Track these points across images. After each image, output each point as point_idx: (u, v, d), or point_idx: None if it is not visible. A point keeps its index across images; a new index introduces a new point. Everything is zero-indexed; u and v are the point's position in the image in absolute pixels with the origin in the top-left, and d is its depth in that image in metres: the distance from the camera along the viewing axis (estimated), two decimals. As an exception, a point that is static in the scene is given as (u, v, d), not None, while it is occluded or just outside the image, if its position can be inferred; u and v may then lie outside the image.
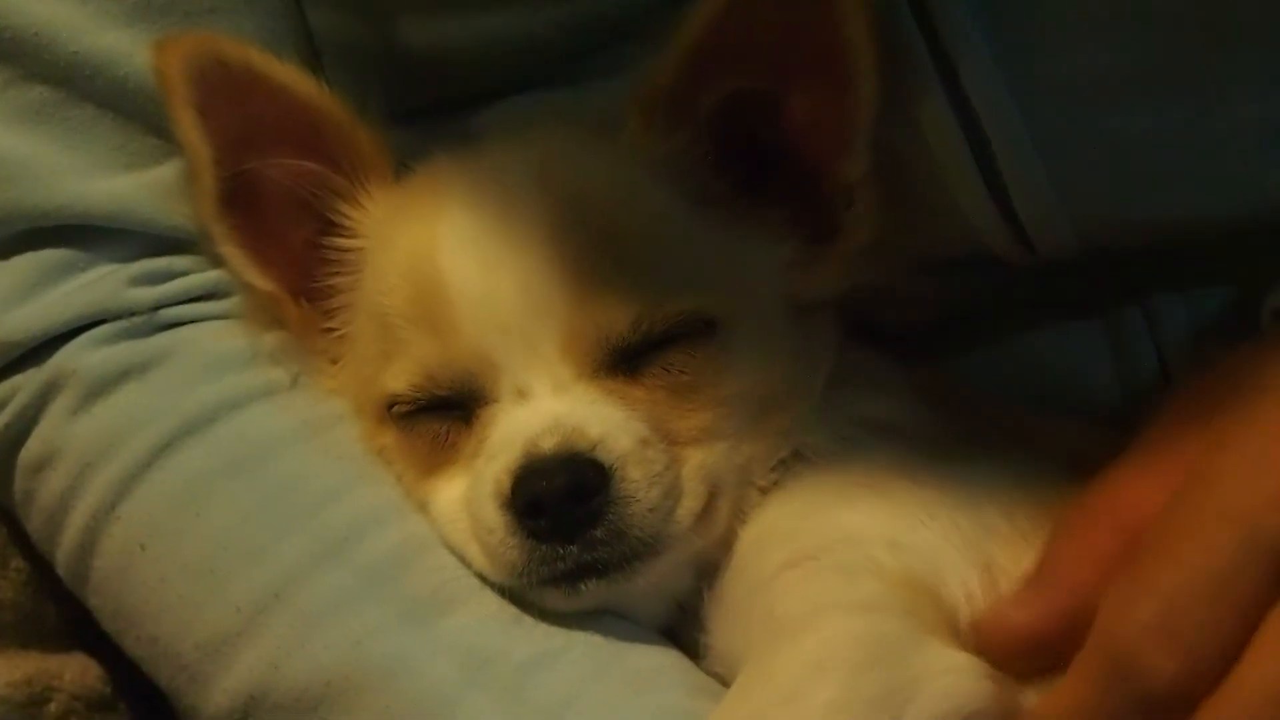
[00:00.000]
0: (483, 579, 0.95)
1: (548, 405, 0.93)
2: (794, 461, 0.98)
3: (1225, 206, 0.99)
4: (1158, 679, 0.84)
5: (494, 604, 0.95)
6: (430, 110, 1.07)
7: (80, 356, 1.00)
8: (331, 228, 1.02)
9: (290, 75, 1.00)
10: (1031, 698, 0.91)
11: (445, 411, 0.97)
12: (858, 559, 0.93)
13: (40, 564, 1.05)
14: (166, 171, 1.02)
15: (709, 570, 0.97)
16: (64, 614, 1.07)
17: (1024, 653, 0.90)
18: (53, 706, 1.06)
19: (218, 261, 1.04)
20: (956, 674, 0.87)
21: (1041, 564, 0.91)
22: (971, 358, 1.11)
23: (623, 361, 0.94)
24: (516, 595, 0.95)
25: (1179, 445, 0.89)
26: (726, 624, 0.96)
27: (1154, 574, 0.85)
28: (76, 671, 1.08)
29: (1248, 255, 1.05)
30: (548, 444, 0.91)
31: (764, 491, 0.98)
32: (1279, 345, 0.91)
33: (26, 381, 1.01)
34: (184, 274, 1.03)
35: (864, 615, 0.90)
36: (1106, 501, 0.91)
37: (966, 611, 0.92)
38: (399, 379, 0.96)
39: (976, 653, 0.90)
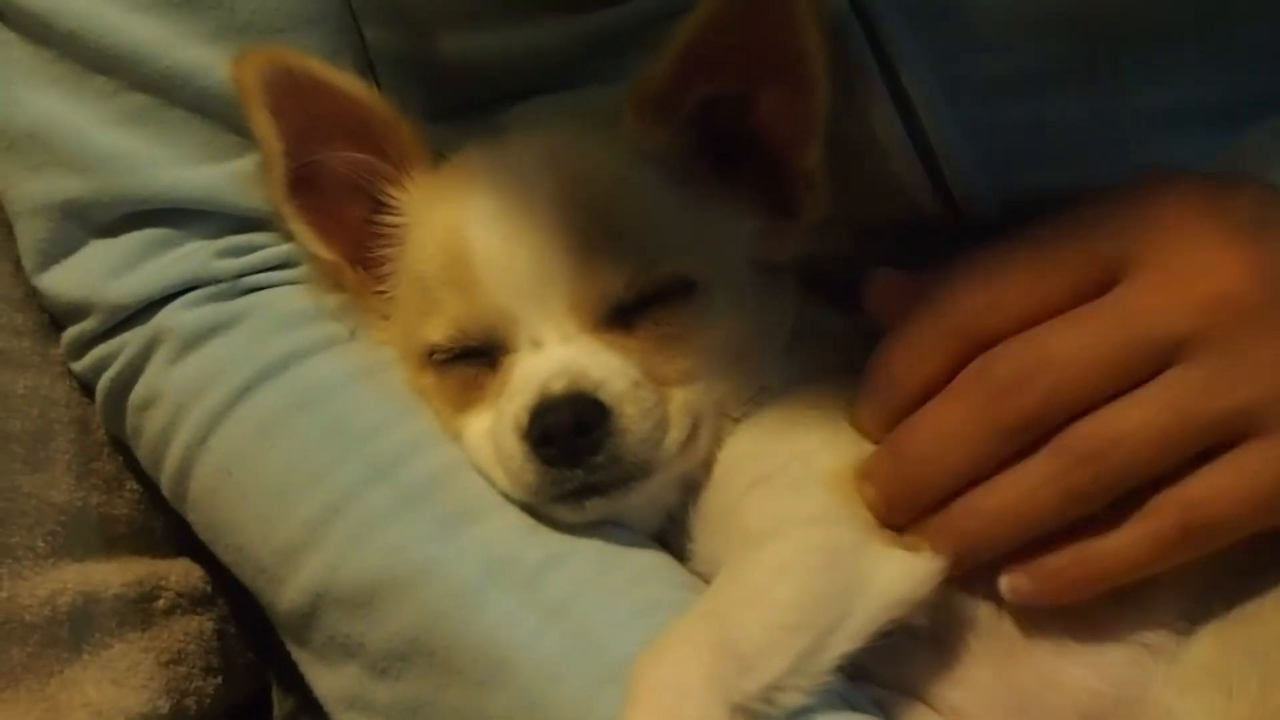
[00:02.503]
0: (505, 496, 0.95)
1: (557, 353, 0.94)
2: (762, 396, 0.98)
3: (1124, 179, 0.96)
4: (958, 313, 0.89)
5: (513, 516, 0.95)
6: (462, 110, 1.07)
7: (176, 316, 1.01)
8: (381, 207, 1.01)
9: (347, 81, 1.00)
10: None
11: (474, 358, 0.97)
12: (807, 473, 0.94)
13: (150, 485, 1.06)
14: (245, 163, 1.02)
15: (693, 487, 0.97)
16: (169, 526, 1.08)
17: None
18: (161, 602, 1.08)
19: (288, 237, 1.03)
20: (898, 568, 0.89)
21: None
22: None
23: (618, 317, 0.94)
24: (532, 510, 0.95)
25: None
26: (708, 534, 0.97)
27: (995, 248, 0.90)
28: (181, 573, 1.10)
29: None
30: (557, 386, 0.92)
31: (737, 422, 0.98)
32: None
33: (133, 337, 1.02)
34: (261, 248, 1.04)
35: (819, 526, 0.91)
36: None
37: None
38: (436, 331, 0.97)
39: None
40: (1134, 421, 0.85)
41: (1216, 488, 0.85)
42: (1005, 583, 0.90)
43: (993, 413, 0.87)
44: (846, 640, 0.86)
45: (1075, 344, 0.86)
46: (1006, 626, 0.93)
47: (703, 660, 0.83)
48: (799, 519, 0.92)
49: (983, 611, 0.93)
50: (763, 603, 0.87)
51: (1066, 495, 0.86)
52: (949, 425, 0.89)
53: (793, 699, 0.85)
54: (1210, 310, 0.84)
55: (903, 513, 0.91)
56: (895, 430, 0.91)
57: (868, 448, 0.94)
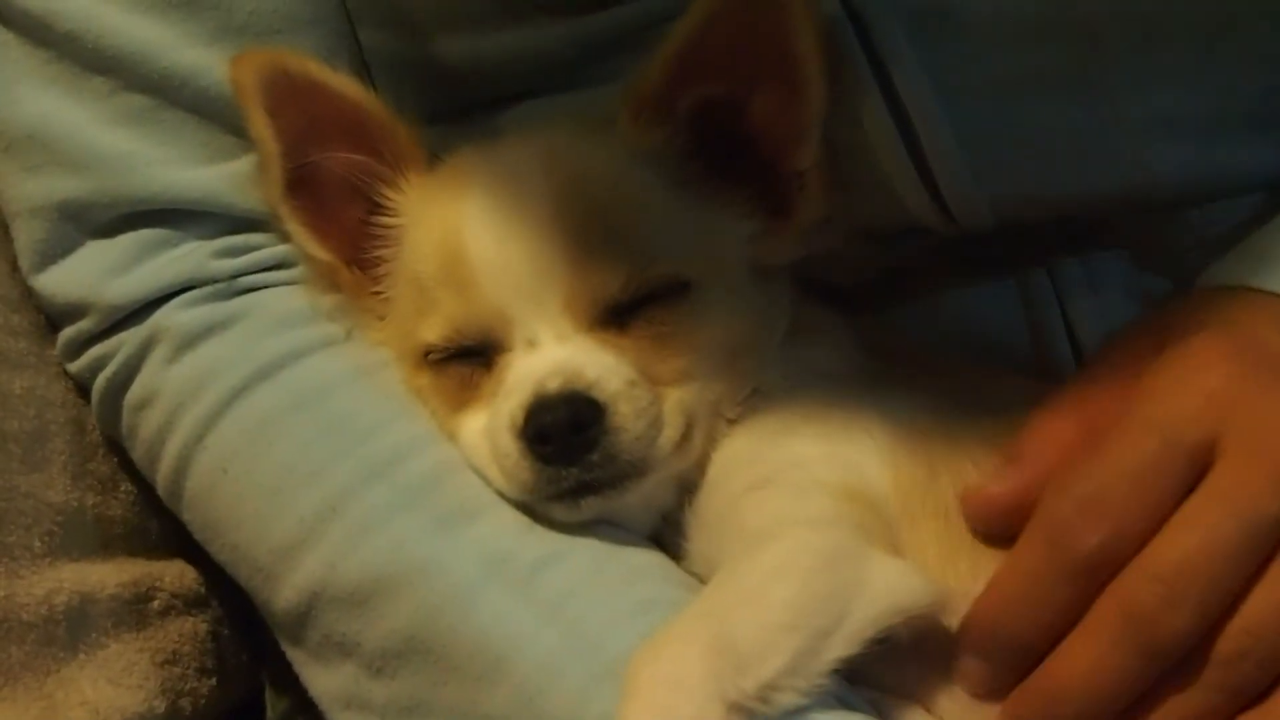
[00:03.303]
0: (501, 495, 0.96)
1: (553, 353, 0.94)
2: (756, 398, 0.99)
3: (1116, 186, 1.00)
4: (1084, 546, 0.85)
5: (510, 515, 0.95)
6: (458, 111, 1.07)
7: (173, 316, 1.01)
8: (377, 208, 1.02)
9: (344, 83, 1.00)
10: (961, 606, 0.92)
11: (470, 358, 0.97)
12: (806, 480, 0.94)
13: (144, 486, 1.07)
14: (242, 164, 1.03)
15: (688, 487, 0.97)
16: (164, 527, 1.08)
17: (999, 520, 0.91)
18: (156, 603, 1.08)
19: (285, 238, 1.04)
20: (897, 577, 0.89)
21: (1016, 447, 0.92)
22: (905, 311, 1.11)
23: (614, 316, 0.95)
24: (528, 509, 0.95)
25: (1133, 363, 0.90)
26: (703, 533, 0.97)
27: (1089, 464, 0.87)
28: (175, 575, 1.10)
29: (1134, 225, 1.07)
30: (553, 384, 0.92)
31: (732, 422, 0.98)
32: (1215, 299, 0.92)
33: (130, 337, 1.02)
34: (258, 248, 1.04)
35: (819, 528, 0.91)
36: (1072, 400, 0.92)
37: (892, 495, 0.94)
38: (432, 331, 0.97)
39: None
40: (1271, 611, 0.84)
41: None
42: None
43: (1145, 639, 0.85)
44: (842, 644, 0.86)
45: (1201, 548, 0.84)
46: None
47: (699, 657, 0.84)
48: (799, 520, 0.92)
49: None
50: (760, 602, 0.87)
51: (1232, 696, 0.85)
52: (1101, 661, 0.86)
53: (789, 698, 0.85)
54: None
55: None
56: (1036, 678, 0.89)
57: (869, 459, 0.95)
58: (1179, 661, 0.85)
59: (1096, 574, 0.86)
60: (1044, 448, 0.92)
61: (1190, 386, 0.87)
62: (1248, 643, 0.84)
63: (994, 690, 0.90)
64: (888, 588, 0.88)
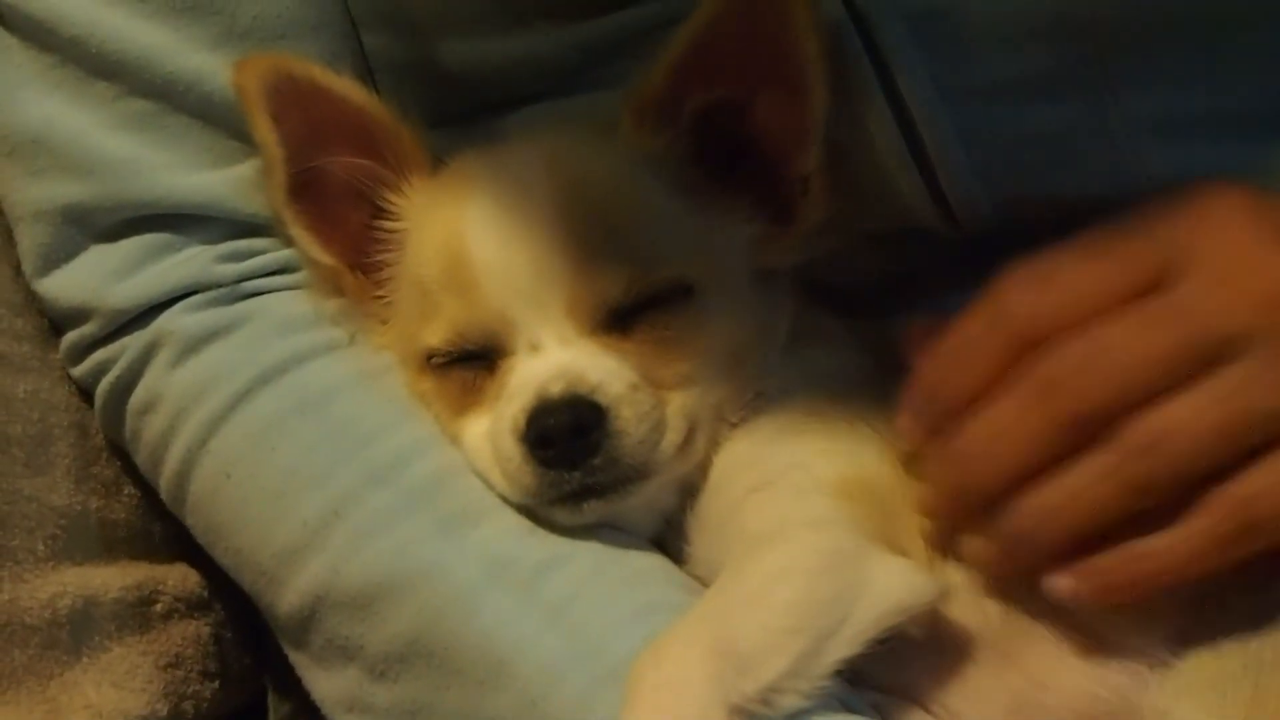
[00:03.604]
0: (503, 499, 0.96)
1: (555, 356, 0.94)
2: (758, 401, 0.99)
3: (1118, 187, 0.98)
4: (1017, 311, 0.88)
5: (513, 518, 0.95)
6: (461, 116, 1.08)
7: (176, 320, 1.01)
8: (381, 212, 1.02)
9: (347, 87, 1.01)
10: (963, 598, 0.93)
11: (473, 362, 0.97)
12: (806, 481, 0.94)
13: (148, 490, 1.07)
14: (246, 169, 1.03)
15: (690, 491, 0.97)
16: (167, 531, 1.08)
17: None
18: (159, 607, 1.08)
19: (289, 242, 1.04)
20: (898, 576, 0.89)
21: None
22: (907, 315, 1.05)
23: (616, 320, 0.95)
24: (531, 513, 0.95)
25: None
26: (705, 536, 0.97)
27: (1050, 250, 0.89)
28: (178, 578, 1.10)
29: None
30: (555, 388, 0.92)
31: (734, 426, 0.98)
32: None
33: (133, 341, 1.02)
34: (261, 253, 1.04)
35: (822, 530, 0.91)
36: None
37: (890, 481, 0.94)
38: (435, 335, 0.97)
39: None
40: (1191, 415, 0.84)
41: (1271, 483, 0.85)
42: (1051, 583, 0.88)
43: (1049, 408, 0.86)
44: (845, 645, 0.86)
45: (1132, 340, 0.85)
46: (1004, 633, 0.93)
47: (702, 660, 0.84)
48: (801, 522, 0.92)
49: (981, 617, 0.93)
50: (762, 604, 0.87)
51: (1123, 489, 0.85)
52: (1003, 422, 0.87)
53: (791, 701, 0.85)
54: (1266, 308, 0.84)
55: (957, 511, 0.91)
56: (947, 430, 0.90)
57: (868, 456, 0.95)
58: (1082, 444, 0.85)
59: (1026, 340, 0.87)
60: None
61: (1185, 207, 0.88)
62: (1152, 439, 0.84)
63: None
64: (890, 587, 0.88)
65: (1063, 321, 0.86)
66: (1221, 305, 0.85)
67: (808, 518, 0.93)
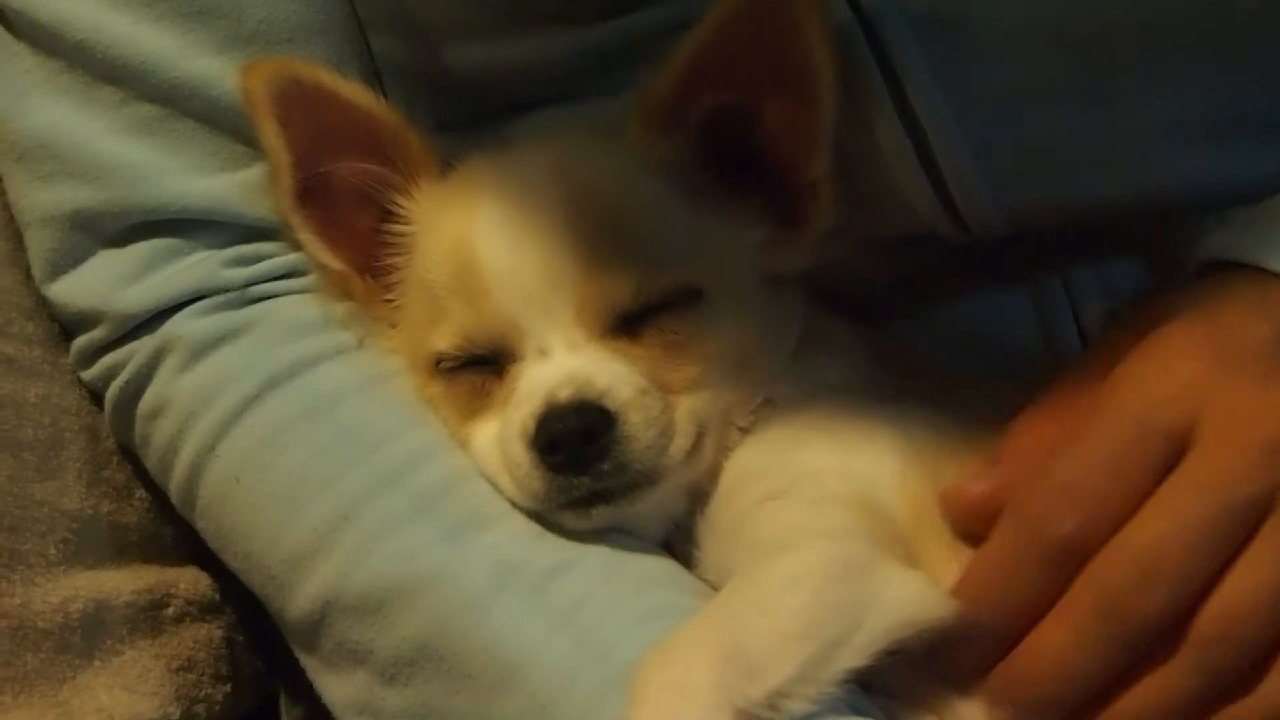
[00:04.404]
0: (512, 503, 0.96)
1: (564, 361, 0.94)
2: (767, 407, 0.99)
3: (1126, 192, 1.00)
4: (1058, 532, 0.86)
5: (522, 523, 0.95)
6: (469, 121, 1.07)
7: (185, 325, 1.01)
8: (389, 216, 1.02)
9: (355, 91, 1.00)
10: None
11: (481, 366, 0.97)
12: (820, 492, 0.94)
13: (158, 493, 1.07)
14: (253, 173, 1.03)
15: (699, 495, 0.97)
16: (179, 534, 1.09)
17: (976, 520, 0.91)
18: (170, 610, 1.08)
19: (296, 246, 1.04)
20: (911, 589, 0.89)
21: (999, 451, 0.92)
22: (917, 321, 1.11)
23: (625, 325, 0.95)
24: (540, 517, 0.95)
25: (1114, 360, 0.90)
26: (716, 542, 0.97)
27: (1064, 453, 0.87)
28: (190, 581, 1.10)
29: (1148, 232, 1.06)
30: (564, 393, 0.92)
31: (743, 431, 0.98)
32: (1194, 289, 0.92)
33: (142, 346, 1.02)
34: (269, 257, 1.04)
35: (835, 540, 0.91)
36: (1054, 401, 0.92)
37: (903, 512, 0.94)
38: (443, 340, 0.97)
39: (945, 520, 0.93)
40: (1251, 588, 0.84)
41: None
42: None
43: (1119, 620, 0.85)
44: (854, 655, 0.86)
45: (1175, 531, 0.85)
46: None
47: (709, 664, 0.84)
48: (814, 531, 0.92)
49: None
50: (773, 610, 0.87)
51: (1211, 679, 0.85)
52: (1075, 642, 0.87)
53: (799, 706, 0.85)
54: (1276, 455, 0.85)
55: None
56: (1011, 661, 0.89)
57: (881, 476, 0.95)
58: (1155, 645, 0.85)
59: (1071, 560, 0.87)
60: (1024, 449, 0.92)
61: (1165, 374, 0.87)
62: (1226, 626, 0.84)
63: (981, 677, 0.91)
64: (901, 600, 0.88)
65: (1105, 533, 0.86)
66: (1239, 466, 0.85)
67: (822, 527, 0.93)
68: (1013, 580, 0.88)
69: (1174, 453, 0.86)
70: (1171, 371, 0.87)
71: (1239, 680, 0.85)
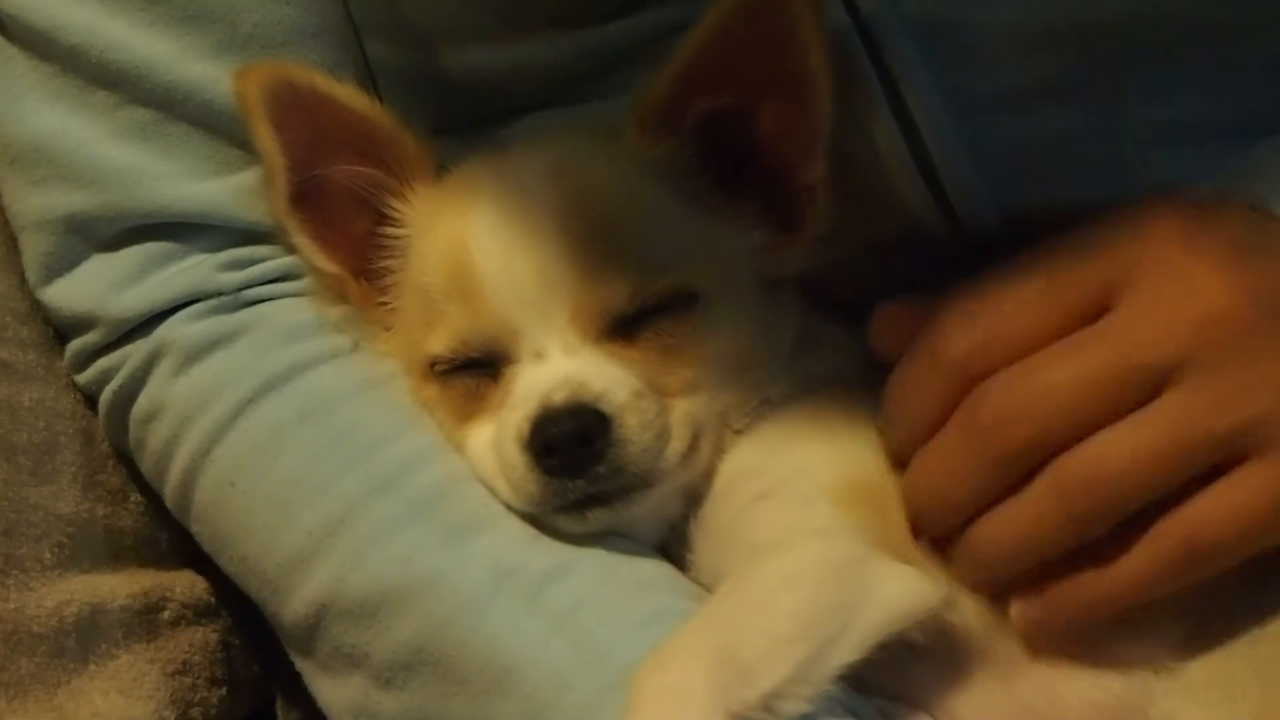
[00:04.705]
0: (508, 507, 0.96)
1: (559, 364, 0.94)
2: (763, 409, 0.99)
3: (1124, 194, 0.96)
4: (950, 350, 0.90)
5: (518, 526, 0.95)
6: (465, 124, 1.07)
7: (179, 329, 1.01)
8: (384, 220, 1.02)
9: (349, 95, 1.00)
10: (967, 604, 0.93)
11: (477, 370, 0.97)
12: (809, 489, 0.94)
13: (154, 497, 1.06)
14: (248, 177, 1.03)
15: (695, 499, 0.97)
16: (174, 538, 1.08)
17: (894, 335, 0.95)
18: (166, 614, 1.08)
19: (291, 250, 1.04)
20: (902, 584, 0.89)
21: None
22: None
23: (620, 328, 0.95)
24: (536, 521, 0.95)
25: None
26: (709, 545, 0.97)
27: (988, 281, 0.91)
28: (185, 585, 1.10)
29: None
30: (559, 396, 0.92)
31: (739, 434, 0.98)
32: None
33: (135, 350, 1.02)
34: (264, 260, 1.04)
35: (826, 539, 0.91)
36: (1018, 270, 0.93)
37: (883, 492, 0.95)
38: (439, 343, 0.97)
39: None
40: (1130, 446, 0.86)
41: (1218, 509, 0.86)
42: (1015, 610, 0.91)
43: (986, 447, 0.88)
44: (848, 651, 0.86)
45: (1066, 374, 0.87)
46: (1010, 640, 0.93)
47: (704, 668, 0.84)
48: (806, 532, 0.93)
49: (987, 625, 0.93)
50: (766, 612, 0.87)
51: (1070, 521, 0.87)
52: (947, 461, 0.91)
53: (794, 707, 0.85)
54: (1200, 333, 0.85)
55: (925, 539, 0.93)
56: (909, 465, 0.93)
57: (870, 462, 0.95)
58: (1024, 477, 0.87)
59: (966, 378, 0.89)
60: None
61: (1121, 230, 0.88)
62: (1091, 472, 0.86)
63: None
64: (894, 593, 0.88)
65: (1002, 359, 0.88)
66: (1153, 333, 0.86)
67: (813, 526, 0.93)
68: (911, 392, 0.92)
69: (1098, 304, 0.87)
70: (1128, 228, 0.88)
71: (1100, 545, 0.87)
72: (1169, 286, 0.86)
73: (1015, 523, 0.89)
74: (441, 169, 1.02)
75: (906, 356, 0.93)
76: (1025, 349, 0.88)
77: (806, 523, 0.93)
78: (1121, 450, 0.86)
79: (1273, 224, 0.89)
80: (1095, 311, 0.87)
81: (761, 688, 0.84)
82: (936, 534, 0.92)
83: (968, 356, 0.89)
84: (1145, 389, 0.85)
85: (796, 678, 0.85)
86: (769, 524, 0.94)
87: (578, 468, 0.92)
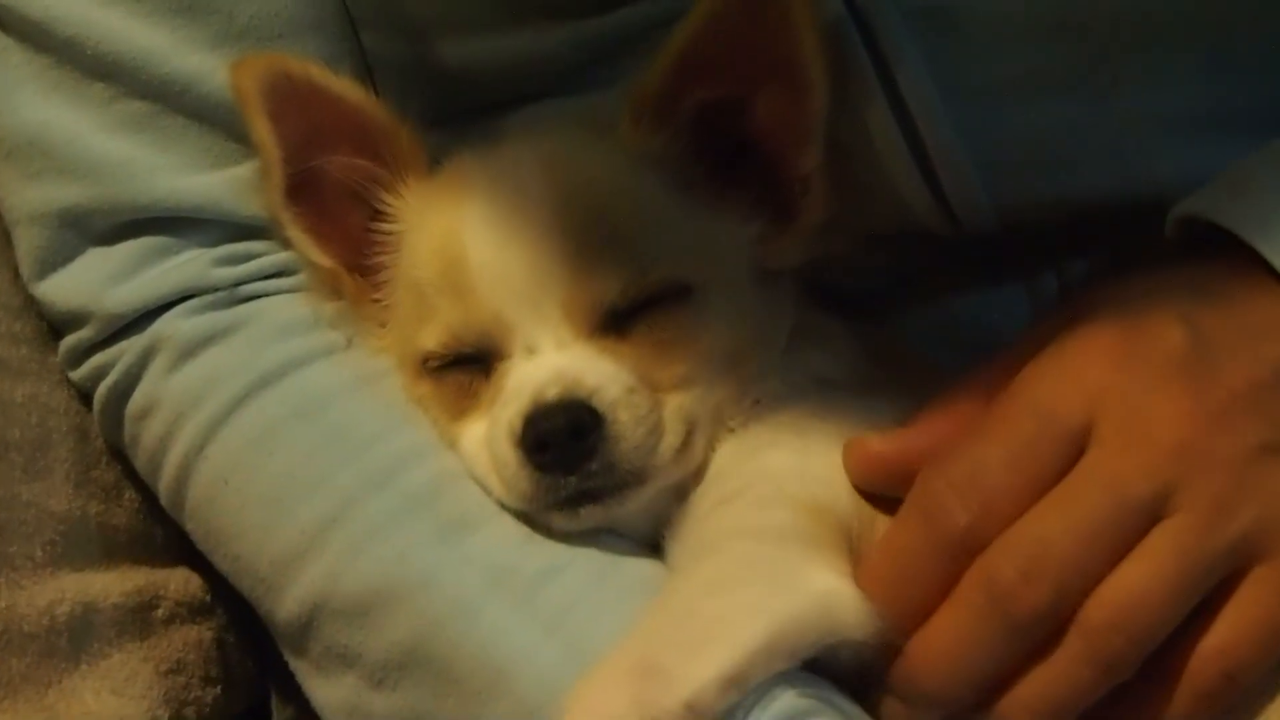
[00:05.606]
0: (501, 505, 0.95)
1: (552, 360, 0.93)
2: (758, 405, 0.97)
3: (1122, 187, 0.98)
4: (956, 524, 0.86)
5: (511, 525, 0.95)
6: (461, 115, 1.07)
7: (174, 324, 1.01)
8: (379, 214, 1.01)
9: (345, 87, 1.00)
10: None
11: (469, 365, 0.96)
12: (772, 492, 0.92)
13: (148, 494, 1.06)
14: (244, 170, 1.02)
15: (688, 495, 0.96)
16: (169, 535, 1.07)
17: (873, 477, 0.92)
18: (160, 611, 1.07)
19: (286, 245, 1.03)
20: (835, 598, 0.87)
21: (914, 418, 0.92)
22: (910, 317, 1.10)
23: (614, 322, 0.94)
24: (528, 518, 0.94)
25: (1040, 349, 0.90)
26: (676, 547, 0.95)
27: (968, 445, 0.87)
28: (180, 583, 1.09)
29: (1146, 228, 1.05)
30: (552, 392, 0.91)
31: (734, 430, 0.97)
32: (1126, 281, 0.91)
33: (130, 346, 1.02)
34: (259, 255, 1.03)
35: (760, 541, 0.90)
36: (980, 381, 0.92)
37: (854, 522, 0.92)
38: (431, 338, 0.97)
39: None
40: (1146, 579, 0.84)
41: (1245, 629, 0.85)
42: None
43: (1006, 615, 0.85)
44: (775, 659, 0.84)
45: (1066, 526, 0.85)
46: None
47: (623, 683, 0.82)
48: (745, 532, 0.91)
49: None
50: (688, 619, 0.86)
51: (1101, 668, 0.85)
52: (963, 635, 0.87)
53: (722, 706, 0.83)
54: (1176, 458, 0.84)
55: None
56: (907, 651, 0.89)
57: (840, 476, 0.93)
58: (1046, 637, 0.85)
59: (965, 553, 0.87)
60: (937, 420, 0.92)
61: (1070, 372, 0.87)
62: (1114, 614, 0.84)
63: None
64: (824, 608, 0.87)
65: (995, 526, 0.86)
66: (1135, 467, 0.85)
67: (756, 527, 0.91)
68: (909, 571, 0.88)
69: (1074, 450, 0.86)
70: (1076, 370, 0.87)
71: (1131, 681, 0.85)
72: (1135, 419, 0.85)
73: (1051, 684, 0.86)
74: (436, 162, 1.01)
75: (897, 526, 0.90)
76: (1019, 510, 0.86)
77: (752, 523, 0.91)
78: (1140, 585, 0.84)
79: (1204, 317, 0.87)
80: (1075, 453, 0.86)
81: (680, 695, 0.81)
82: (952, 710, 0.89)
83: (969, 532, 0.87)
84: (1144, 519, 0.84)
85: (721, 682, 0.82)
86: (718, 527, 0.92)
87: (570, 464, 0.91)
